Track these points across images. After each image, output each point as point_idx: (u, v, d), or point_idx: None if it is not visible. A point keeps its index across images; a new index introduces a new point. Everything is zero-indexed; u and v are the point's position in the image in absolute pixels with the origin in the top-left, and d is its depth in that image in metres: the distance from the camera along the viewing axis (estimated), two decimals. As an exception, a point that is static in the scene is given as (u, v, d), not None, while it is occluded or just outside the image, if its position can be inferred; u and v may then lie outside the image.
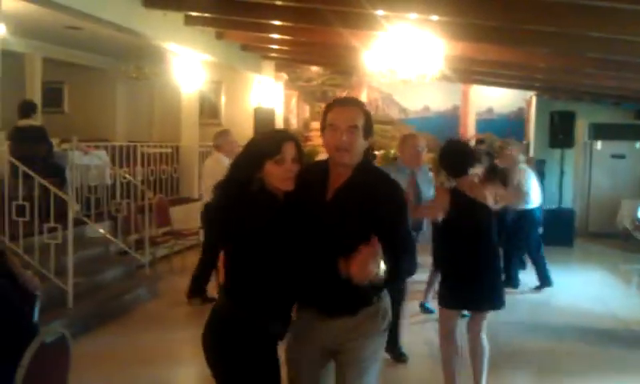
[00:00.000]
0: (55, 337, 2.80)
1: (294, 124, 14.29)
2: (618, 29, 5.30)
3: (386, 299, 2.67)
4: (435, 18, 6.33)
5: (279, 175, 2.48)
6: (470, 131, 12.77)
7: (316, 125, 14.25)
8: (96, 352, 5.14)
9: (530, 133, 12.38)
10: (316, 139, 14.03)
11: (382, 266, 2.30)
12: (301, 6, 7.10)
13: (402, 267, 2.51)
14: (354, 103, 2.65)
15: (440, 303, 4.27)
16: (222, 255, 2.70)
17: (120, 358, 5.21)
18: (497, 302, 4.15)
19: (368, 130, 2.55)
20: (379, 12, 6.29)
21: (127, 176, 8.13)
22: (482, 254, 4.12)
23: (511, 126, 12.46)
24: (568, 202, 11.22)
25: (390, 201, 2.55)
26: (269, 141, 2.54)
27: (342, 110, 2.56)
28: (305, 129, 14.34)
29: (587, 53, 6.91)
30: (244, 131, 10.36)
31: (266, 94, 12.99)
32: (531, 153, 11.71)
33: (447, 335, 4.22)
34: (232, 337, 2.49)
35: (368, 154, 2.71)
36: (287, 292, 2.55)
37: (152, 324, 6.21)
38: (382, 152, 11.95)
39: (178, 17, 8.34)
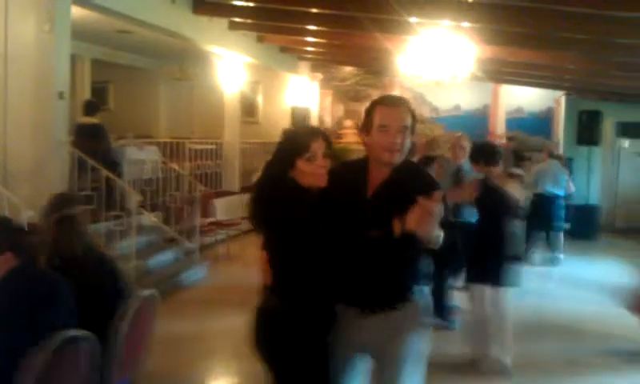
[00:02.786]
0: (148, 293, 3.31)
1: (328, 122, 14.77)
2: (638, 35, 5.66)
3: (423, 297, 2.69)
4: (466, 24, 6.74)
5: (311, 172, 2.51)
6: (499, 129, 13.13)
7: (349, 123, 14.72)
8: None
9: (559, 131, 12.68)
10: (349, 137, 14.51)
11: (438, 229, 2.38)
12: (336, 13, 7.55)
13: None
14: (402, 103, 2.62)
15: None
16: (263, 257, 2.67)
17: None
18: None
19: (413, 129, 2.57)
20: (413, 19, 6.70)
21: (177, 169, 8.75)
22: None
23: (540, 125, 12.84)
24: (595, 199, 11.54)
25: (425, 187, 2.49)
26: (298, 139, 2.57)
27: (392, 110, 2.55)
28: (338, 127, 14.80)
29: (613, 58, 7.24)
30: (281, 129, 10.88)
31: (302, 93, 13.48)
32: (560, 150, 12.02)
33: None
34: (285, 331, 2.53)
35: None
36: (331, 285, 2.57)
37: (199, 305, 6.76)
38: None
39: (222, 22, 8.92)
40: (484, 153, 5.00)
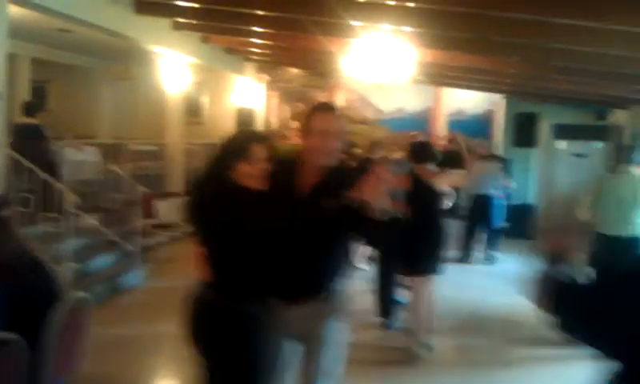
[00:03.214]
0: (80, 298, 3.28)
1: (275, 123, 14.78)
2: (576, 41, 5.87)
3: (344, 288, 2.93)
4: (407, 28, 6.87)
5: (250, 174, 2.67)
6: (441, 131, 13.40)
7: (295, 124, 14.76)
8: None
9: (498, 133, 13.03)
10: (295, 139, 14.55)
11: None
12: (281, 15, 7.57)
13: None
14: (336, 110, 2.90)
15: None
16: (198, 251, 2.77)
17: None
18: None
19: (344, 134, 2.85)
20: (355, 22, 6.80)
21: (117, 171, 8.61)
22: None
23: (480, 127, 13.17)
24: (532, 198, 11.92)
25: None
26: (239, 142, 2.73)
27: (329, 117, 2.78)
28: (285, 128, 14.83)
29: (551, 62, 7.48)
30: (226, 131, 10.84)
31: (248, 95, 13.46)
32: (499, 152, 12.35)
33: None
34: (221, 323, 2.67)
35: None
36: (265, 280, 2.74)
37: (139, 308, 6.68)
38: (360, 151, 12.49)
39: (166, 22, 8.82)
40: (416, 151, 5.53)
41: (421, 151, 5.53)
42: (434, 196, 5.30)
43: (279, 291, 2.79)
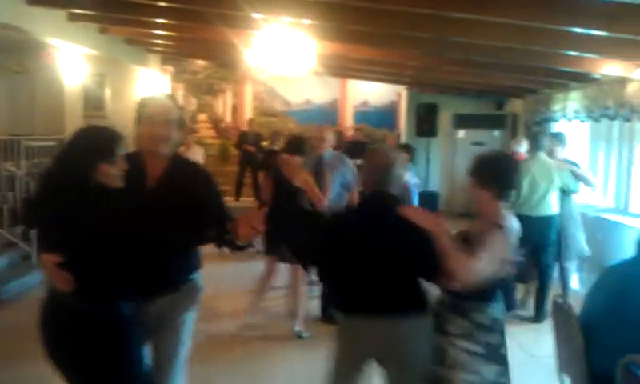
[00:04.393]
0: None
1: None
2: (471, 34, 6.13)
3: (199, 282, 3.08)
4: (307, 21, 6.95)
5: (113, 174, 2.60)
6: (348, 122, 13.65)
7: (203, 117, 14.61)
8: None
9: (401, 123, 13.42)
10: (203, 131, 14.40)
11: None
12: (183, 6, 7.48)
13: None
14: (167, 99, 2.98)
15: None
16: (50, 259, 2.54)
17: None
18: None
19: (180, 125, 2.89)
20: (256, 14, 6.81)
21: (11, 169, 8.22)
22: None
23: (384, 118, 13.52)
24: (435, 186, 12.36)
25: (208, 183, 3.00)
26: (103, 143, 2.59)
27: (158, 104, 2.86)
28: (192, 121, 14.64)
29: (449, 54, 7.77)
30: (129, 124, 10.58)
31: (152, 87, 13.15)
32: (402, 141, 12.72)
33: None
34: (92, 332, 2.54)
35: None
36: (128, 282, 2.68)
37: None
38: (267, 143, 12.54)
39: (61, 13, 8.48)
40: (287, 144, 5.87)
41: (290, 144, 5.81)
42: (292, 189, 5.49)
43: (138, 288, 2.75)
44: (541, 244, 6.10)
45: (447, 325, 2.84)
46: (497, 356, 2.80)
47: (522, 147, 7.06)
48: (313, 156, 6.17)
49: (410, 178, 9.08)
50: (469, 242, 2.82)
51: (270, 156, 8.66)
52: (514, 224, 2.88)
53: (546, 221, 6.07)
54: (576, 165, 6.48)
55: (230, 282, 7.25)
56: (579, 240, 6.41)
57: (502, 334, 2.86)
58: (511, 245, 2.81)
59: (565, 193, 6.23)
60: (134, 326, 2.69)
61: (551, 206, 6.08)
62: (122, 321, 2.64)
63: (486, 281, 2.72)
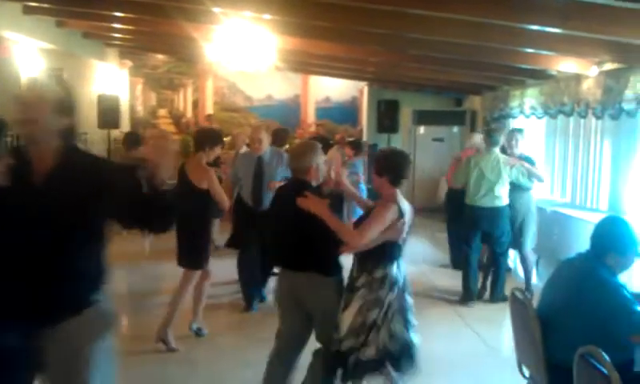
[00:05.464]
0: None
1: (140, 111, 14.35)
2: (428, 31, 6.18)
3: (108, 304, 2.53)
4: (268, 16, 6.92)
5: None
6: (310, 118, 13.66)
7: (163, 112, 14.43)
8: None
9: (363, 119, 13.47)
10: (163, 126, 14.23)
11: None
12: (142, 0, 7.40)
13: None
14: (44, 85, 2.56)
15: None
16: None
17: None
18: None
19: (63, 109, 2.42)
20: (216, 8, 6.74)
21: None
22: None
23: (346, 114, 13.57)
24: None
25: (120, 173, 2.52)
26: None
27: (31, 89, 2.54)
28: (152, 116, 14.45)
29: (408, 50, 7.82)
30: (87, 119, 10.39)
31: (111, 81, 12.95)
32: (364, 137, 12.79)
33: None
34: None
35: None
36: (12, 299, 2.28)
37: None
38: (228, 138, 12.45)
39: (16, 6, 8.27)
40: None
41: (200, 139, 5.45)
42: (193, 191, 5.11)
43: (23, 312, 2.29)
44: (492, 234, 6.41)
45: (355, 282, 3.58)
46: (382, 303, 3.50)
47: (469, 143, 7.62)
48: (250, 157, 6.09)
49: (350, 174, 9.09)
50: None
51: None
52: (405, 206, 3.59)
53: (495, 212, 6.34)
54: (531, 160, 6.68)
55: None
56: (533, 231, 6.70)
57: (392, 286, 3.52)
58: (402, 221, 3.52)
59: (519, 187, 6.45)
60: (17, 363, 2.25)
61: (500, 198, 6.33)
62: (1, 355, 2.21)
63: (375, 244, 3.47)
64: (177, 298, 5.14)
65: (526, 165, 6.50)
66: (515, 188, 6.44)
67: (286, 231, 3.68)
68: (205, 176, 5.08)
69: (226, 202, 5.29)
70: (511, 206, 6.44)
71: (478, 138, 7.37)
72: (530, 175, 6.50)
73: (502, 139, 6.56)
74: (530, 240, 6.68)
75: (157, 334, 5.06)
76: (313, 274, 3.58)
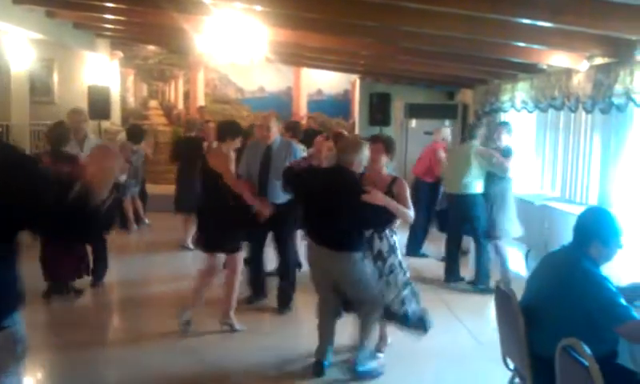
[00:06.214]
0: None
1: (132, 103, 14.28)
2: (421, 24, 6.17)
3: (20, 329, 2.19)
4: (259, 7, 6.89)
5: None
6: (302, 111, 13.63)
7: (154, 103, 14.37)
8: None
9: (355, 112, 13.46)
10: (154, 118, 14.18)
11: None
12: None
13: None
14: None
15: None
16: None
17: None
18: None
19: None
20: (207, 0, 6.72)
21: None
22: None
23: (339, 107, 13.56)
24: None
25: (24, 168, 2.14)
26: None
27: None
28: (143, 107, 14.38)
29: (400, 43, 7.81)
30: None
31: (101, 72, 12.88)
32: (356, 130, 12.77)
33: None
34: None
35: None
36: None
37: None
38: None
39: (5, -4, 8.23)
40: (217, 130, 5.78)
41: (221, 130, 5.58)
42: (214, 176, 5.26)
43: None
44: (467, 219, 6.89)
45: (374, 249, 4.51)
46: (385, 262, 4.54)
47: (437, 137, 8.41)
48: (258, 146, 5.97)
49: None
50: (392, 196, 4.37)
51: (188, 144, 8.55)
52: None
53: (467, 199, 6.81)
54: (508, 152, 6.81)
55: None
56: (504, 221, 6.78)
57: (396, 251, 4.59)
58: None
59: (495, 176, 6.75)
60: None
61: (471, 186, 6.78)
62: None
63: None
64: (232, 282, 5.33)
65: (497, 155, 6.69)
66: (490, 176, 6.76)
67: (328, 213, 4.24)
68: (220, 159, 5.27)
69: (237, 186, 5.35)
70: (485, 193, 6.77)
71: (445, 132, 8.46)
72: (496, 166, 6.67)
73: (481, 132, 7.09)
74: (504, 229, 6.79)
75: (221, 320, 5.37)
76: (345, 253, 4.27)
